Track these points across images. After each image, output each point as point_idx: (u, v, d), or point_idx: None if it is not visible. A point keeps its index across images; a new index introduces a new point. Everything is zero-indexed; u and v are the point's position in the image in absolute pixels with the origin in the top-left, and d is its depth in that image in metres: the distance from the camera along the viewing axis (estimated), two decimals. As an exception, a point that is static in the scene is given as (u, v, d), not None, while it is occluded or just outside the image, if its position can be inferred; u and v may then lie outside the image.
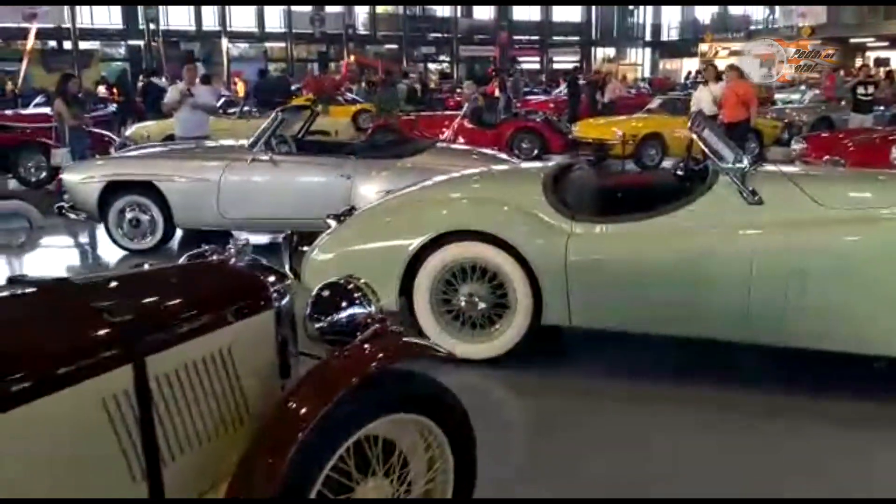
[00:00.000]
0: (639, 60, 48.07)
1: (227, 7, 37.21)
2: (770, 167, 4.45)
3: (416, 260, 4.28)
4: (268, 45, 40.20)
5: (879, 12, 33.89)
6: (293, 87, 21.73)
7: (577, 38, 46.11)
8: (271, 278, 2.33)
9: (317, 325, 2.29)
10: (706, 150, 4.12)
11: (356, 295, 2.34)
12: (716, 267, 3.90)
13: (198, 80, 9.93)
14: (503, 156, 7.73)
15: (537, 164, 5.85)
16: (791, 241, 3.85)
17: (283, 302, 2.33)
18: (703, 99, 11.39)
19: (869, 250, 3.78)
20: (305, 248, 4.70)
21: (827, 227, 3.84)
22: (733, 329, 3.93)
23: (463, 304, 4.26)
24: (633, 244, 4.06)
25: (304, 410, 1.95)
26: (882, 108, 16.36)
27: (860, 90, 13.04)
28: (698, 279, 3.91)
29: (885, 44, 35.46)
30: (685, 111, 14.19)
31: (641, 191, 4.86)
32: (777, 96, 21.73)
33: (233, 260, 2.39)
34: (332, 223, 4.75)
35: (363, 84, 22.63)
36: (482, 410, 3.96)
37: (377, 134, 12.17)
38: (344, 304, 2.32)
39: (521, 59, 42.09)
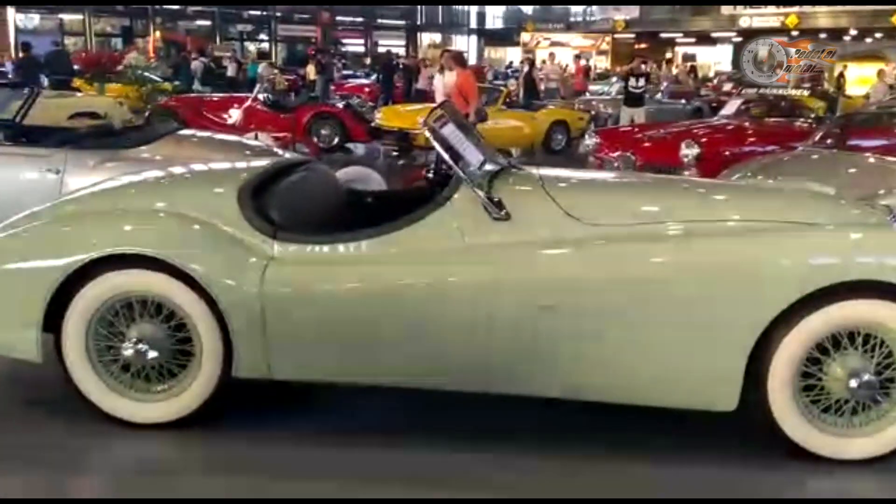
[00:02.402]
0: (465, 47, 47.97)
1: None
2: (532, 171, 3.63)
3: (68, 290, 3.17)
4: (64, 17, 36.46)
5: (687, 9, 35.45)
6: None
7: (402, 22, 45.27)
8: None
9: None
10: (441, 151, 3.25)
11: None
12: (448, 300, 3.05)
13: None
14: (260, 144, 6.62)
15: (244, 163, 4.79)
16: (536, 266, 3.07)
17: None
18: (438, 89, 10.07)
19: (629, 279, 3.03)
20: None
21: (580, 249, 3.08)
22: (470, 378, 3.11)
23: (129, 353, 3.19)
24: (347, 271, 3.15)
25: None
26: (683, 101, 16.70)
27: (631, 82, 12.64)
28: (427, 317, 3.05)
29: (693, 40, 37.24)
30: (495, 101, 13.72)
31: (377, 200, 3.97)
32: (591, 87, 21.82)
33: None
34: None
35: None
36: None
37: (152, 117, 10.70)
38: None
39: (345, 41, 40.72)
